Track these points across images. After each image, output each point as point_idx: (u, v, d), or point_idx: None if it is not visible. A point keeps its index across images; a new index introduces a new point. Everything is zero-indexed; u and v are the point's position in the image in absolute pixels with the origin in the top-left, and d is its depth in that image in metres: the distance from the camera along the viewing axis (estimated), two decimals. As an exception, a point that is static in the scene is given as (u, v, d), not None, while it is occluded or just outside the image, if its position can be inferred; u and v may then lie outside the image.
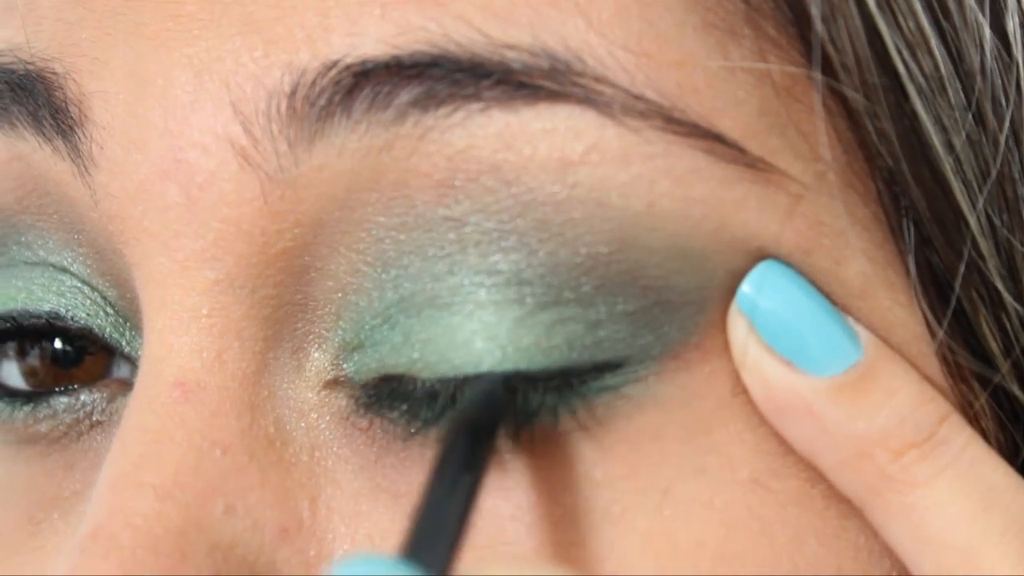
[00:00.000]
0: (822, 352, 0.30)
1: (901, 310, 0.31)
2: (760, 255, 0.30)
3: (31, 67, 0.33)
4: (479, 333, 0.30)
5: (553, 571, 0.27)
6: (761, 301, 0.30)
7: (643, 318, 0.30)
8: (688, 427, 0.30)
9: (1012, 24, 0.31)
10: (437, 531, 0.27)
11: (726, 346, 0.31)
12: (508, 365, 0.30)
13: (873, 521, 0.30)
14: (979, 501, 0.29)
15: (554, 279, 0.30)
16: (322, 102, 0.29)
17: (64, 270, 0.34)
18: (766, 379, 0.30)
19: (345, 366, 0.31)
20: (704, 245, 0.30)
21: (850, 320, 0.31)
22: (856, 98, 0.29)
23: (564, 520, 0.30)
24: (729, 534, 0.30)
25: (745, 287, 0.30)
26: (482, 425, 0.29)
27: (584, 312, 0.30)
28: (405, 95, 0.29)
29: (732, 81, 0.30)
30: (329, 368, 0.31)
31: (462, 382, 0.30)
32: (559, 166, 0.29)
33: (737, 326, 0.30)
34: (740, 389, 0.30)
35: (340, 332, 0.31)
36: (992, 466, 0.30)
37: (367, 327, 0.31)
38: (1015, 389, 0.32)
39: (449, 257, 0.30)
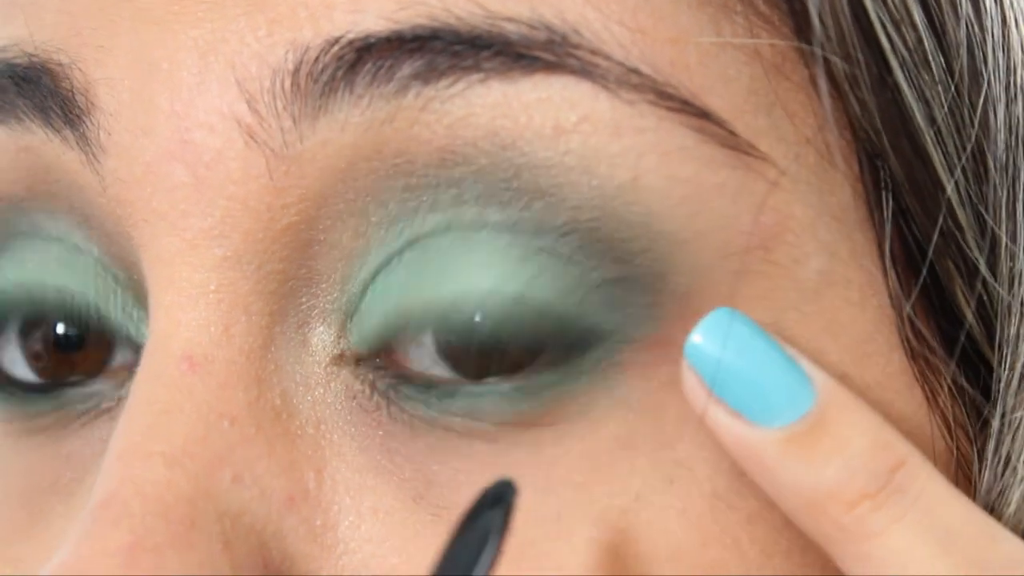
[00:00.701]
0: (772, 403, 0.29)
1: (851, 308, 0.31)
2: (720, 255, 0.30)
3: (35, 59, 0.33)
4: (482, 266, 0.30)
5: None
6: (711, 352, 0.30)
7: (614, 291, 0.30)
8: (655, 438, 0.31)
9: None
10: None
11: (679, 356, 0.30)
12: (511, 288, 0.30)
13: (837, 565, 0.30)
14: (937, 546, 0.29)
15: (543, 233, 0.30)
16: (325, 78, 0.30)
17: (78, 249, 0.35)
18: (718, 430, 0.30)
19: (350, 334, 0.32)
20: (676, 229, 0.30)
21: (804, 364, 0.30)
22: (840, 72, 0.30)
23: (548, 519, 0.31)
24: (705, 543, 0.30)
25: (695, 337, 0.30)
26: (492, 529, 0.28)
27: (568, 269, 0.30)
28: (407, 68, 0.30)
29: (723, 58, 0.30)
30: (335, 342, 0.32)
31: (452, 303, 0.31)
32: (553, 134, 0.30)
33: (688, 378, 0.30)
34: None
35: (347, 296, 0.32)
36: (951, 508, 0.29)
37: (369, 280, 0.31)
38: (989, 353, 0.32)
39: (450, 209, 0.31)
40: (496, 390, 0.31)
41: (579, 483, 0.31)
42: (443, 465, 0.31)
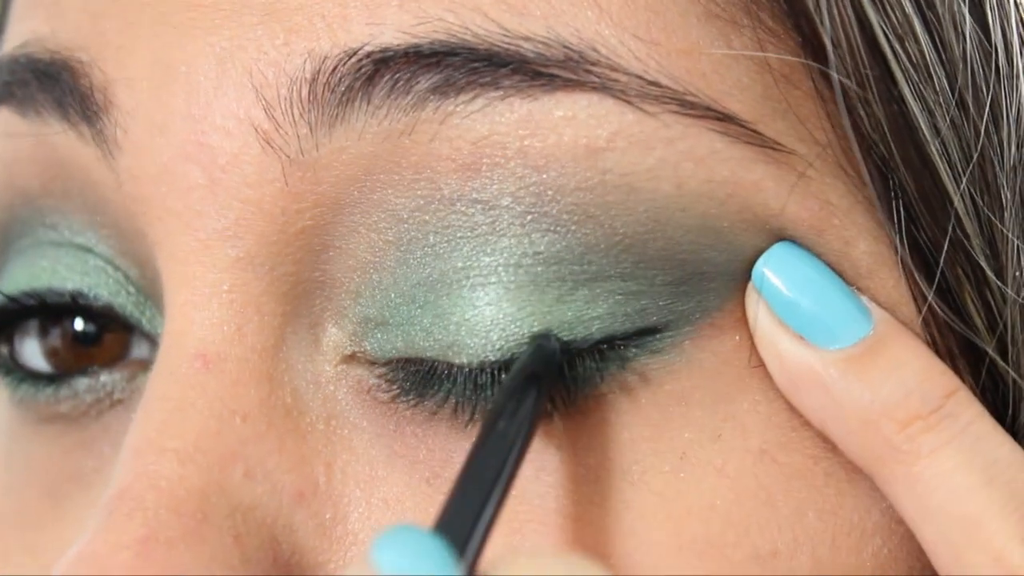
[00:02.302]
0: (831, 326, 0.31)
1: (903, 288, 0.32)
2: (779, 235, 0.31)
3: (56, 56, 0.34)
4: (523, 310, 0.31)
5: (575, 566, 0.27)
6: (775, 279, 0.31)
7: (683, 287, 0.31)
8: (713, 393, 0.32)
9: (990, 14, 0.32)
10: (473, 505, 0.27)
11: (742, 328, 0.32)
12: (557, 325, 0.31)
13: (881, 489, 0.31)
14: (982, 474, 0.30)
15: (593, 256, 0.31)
16: (342, 88, 0.30)
17: (88, 250, 0.35)
18: (779, 352, 0.31)
19: (365, 343, 0.32)
20: (731, 224, 0.31)
21: (862, 296, 0.32)
22: (849, 84, 0.30)
23: (586, 479, 0.31)
24: (738, 500, 0.31)
25: (760, 266, 0.31)
26: (534, 389, 0.29)
27: (625, 284, 0.31)
28: (424, 82, 0.30)
29: (736, 68, 0.31)
30: (347, 344, 0.32)
31: (504, 364, 0.31)
32: (587, 153, 0.30)
33: (752, 303, 0.31)
34: (758, 361, 0.32)
35: (360, 308, 0.32)
36: (997, 442, 0.30)
37: (392, 304, 0.32)
38: (1000, 361, 0.32)
39: (481, 237, 0.31)
40: None
41: (624, 441, 0.31)
42: (464, 441, 0.32)
